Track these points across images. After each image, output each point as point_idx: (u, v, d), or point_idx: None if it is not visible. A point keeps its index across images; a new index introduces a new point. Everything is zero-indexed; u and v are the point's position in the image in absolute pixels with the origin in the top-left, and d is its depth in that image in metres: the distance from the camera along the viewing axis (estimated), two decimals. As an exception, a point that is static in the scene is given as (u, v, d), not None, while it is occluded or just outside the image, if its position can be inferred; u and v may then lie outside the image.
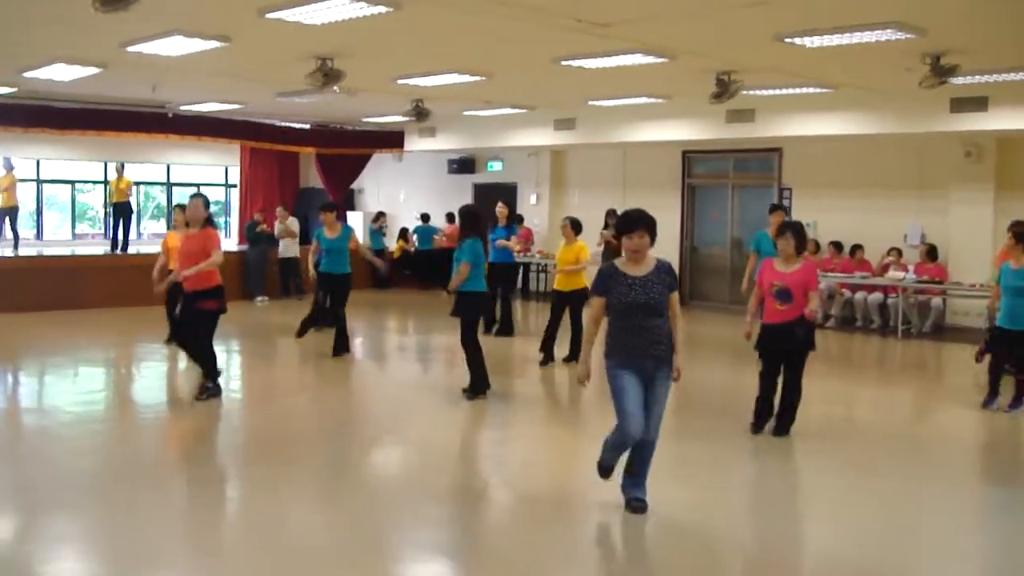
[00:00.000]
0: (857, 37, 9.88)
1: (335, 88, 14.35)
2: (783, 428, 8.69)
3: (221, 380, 10.01)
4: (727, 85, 12.77)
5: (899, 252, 16.19)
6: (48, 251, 20.49)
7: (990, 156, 15.69)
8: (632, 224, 6.37)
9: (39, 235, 23.52)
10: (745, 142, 17.15)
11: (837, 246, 16.83)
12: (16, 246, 18.57)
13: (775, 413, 8.75)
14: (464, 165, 23.04)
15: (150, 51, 11.00)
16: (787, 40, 10.10)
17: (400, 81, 13.71)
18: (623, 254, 6.50)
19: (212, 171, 26.38)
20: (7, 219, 18.54)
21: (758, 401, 8.83)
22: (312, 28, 9.74)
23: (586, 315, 6.98)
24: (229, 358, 13.05)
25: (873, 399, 11.46)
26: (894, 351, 14.84)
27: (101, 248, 20.67)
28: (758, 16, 9.28)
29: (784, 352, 8.64)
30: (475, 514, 6.78)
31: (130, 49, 10.93)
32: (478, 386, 10.17)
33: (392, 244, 22.89)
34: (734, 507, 7.01)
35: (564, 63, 11.76)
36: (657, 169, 19.70)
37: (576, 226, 12.55)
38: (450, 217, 22.99)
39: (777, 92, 14.19)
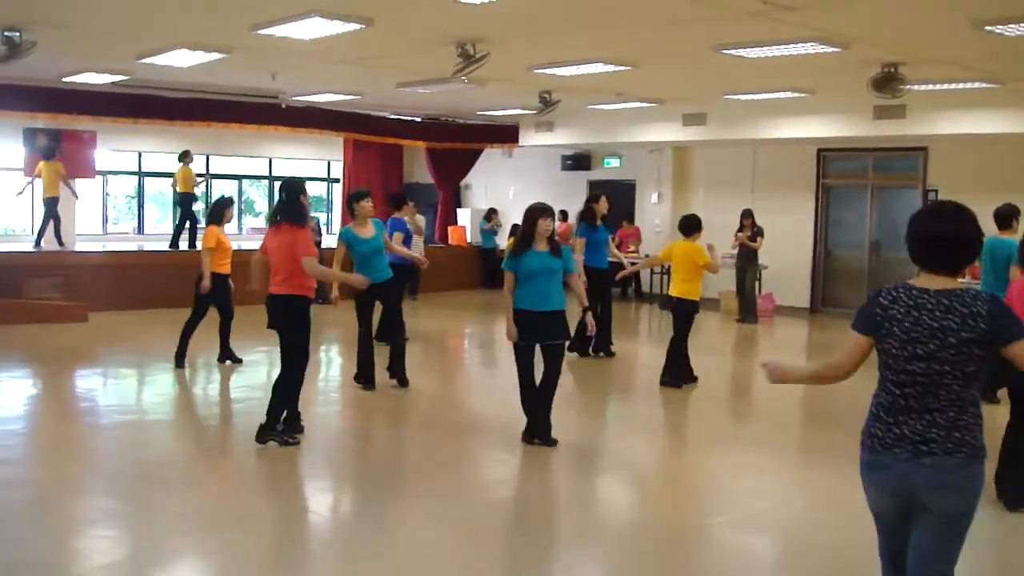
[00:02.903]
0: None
1: (463, 78, 13.64)
2: None
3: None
4: (892, 78, 11.77)
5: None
6: (148, 246, 19.78)
7: None
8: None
9: (139, 229, 23.04)
10: (892, 140, 16.03)
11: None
12: (41, 239, 17.33)
13: None
14: (579, 161, 22.11)
15: (282, 34, 10.25)
16: (987, 28, 9.09)
17: (537, 71, 12.84)
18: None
19: (314, 165, 25.78)
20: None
21: None
22: (457, 9, 8.96)
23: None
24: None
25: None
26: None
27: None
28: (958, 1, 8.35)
29: None
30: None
31: (261, 32, 10.19)
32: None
33: (503, 242, 22.07)
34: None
35: (726, 52, 10.81)
36: (789, 168, 18.60)
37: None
38: (563, 215, 22.18)
39: (936, 88, 13.08)
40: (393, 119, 20.61)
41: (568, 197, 22.31)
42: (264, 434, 7.93)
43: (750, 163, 19.15)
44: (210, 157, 22.81)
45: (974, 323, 3.60)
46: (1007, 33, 9.24)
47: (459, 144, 21.76)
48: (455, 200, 23.91)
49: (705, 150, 19.92)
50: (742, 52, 10.83)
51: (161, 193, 23.68)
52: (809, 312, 18.22)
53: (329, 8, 9.21)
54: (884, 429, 3.77)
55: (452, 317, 17.49)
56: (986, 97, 13.86)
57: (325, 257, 9.67)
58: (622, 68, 12.40)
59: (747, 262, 16.76)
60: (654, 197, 20.71)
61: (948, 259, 3.73)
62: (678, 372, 10.87)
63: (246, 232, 24.36)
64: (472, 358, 14.43)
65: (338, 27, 9.78)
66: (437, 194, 23.28)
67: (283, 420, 8.05)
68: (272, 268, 8.01)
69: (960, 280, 3.78)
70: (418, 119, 20.98)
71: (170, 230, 19.63)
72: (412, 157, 25.50)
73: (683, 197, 20.19)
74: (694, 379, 11.04)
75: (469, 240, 22.18)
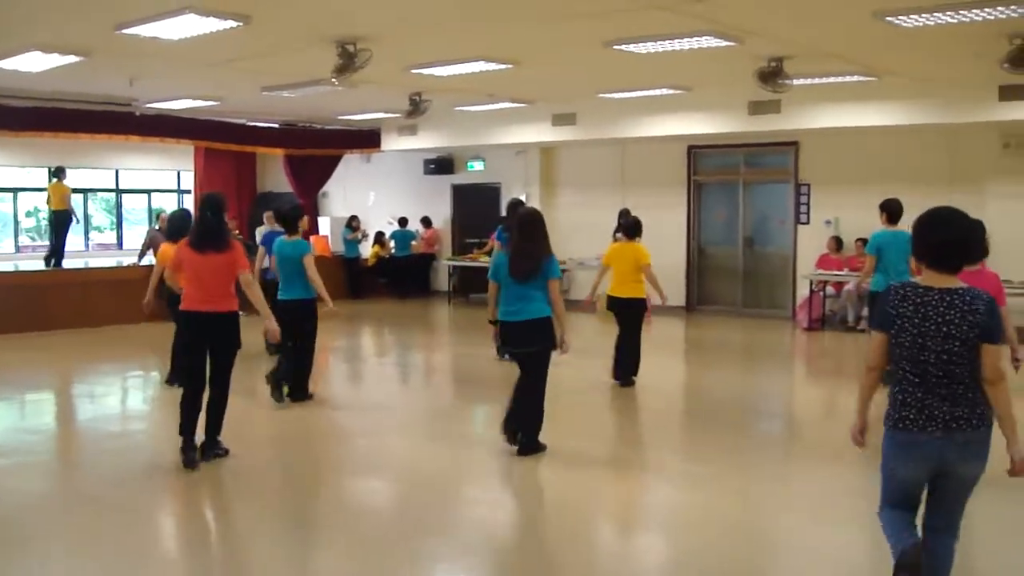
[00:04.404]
0: (961, 16, 8.85)
1: (333, 80, 13.03)
2: None
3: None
4: (777, 72, 11.65)
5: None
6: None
7: (1031, 147, 14.78)
8: None
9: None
10: (766, 135, 16.02)
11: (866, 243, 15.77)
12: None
13: None
14: (442, 165, 21.54)
15: (150, 34, 9.45)
16: (888, 19, 8.99)
17: (415, 71, 12.29)
18: None
19: (164, 176, 24.59)
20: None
21: None
22: (339, 6, 8.49)
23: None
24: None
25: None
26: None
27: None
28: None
29: None
30: None
31: (127, 31, 9.37)
32: None
33: (367, 251, 21.42)
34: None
35: (616, 47, 10.47)
36: (659, 166, 18.47)
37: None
38: (426, 221, 21.68)
39: (811, 82, 13.04)
40: (249, 126, 19.70)
41: (432, 202, 21.85)
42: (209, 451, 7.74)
43: (619, 162, 18.96)
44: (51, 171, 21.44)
45: (972, 319, 4.20)
46: (906, 24, 9.16)
47: (319, 150, 20.93)
48: (314, 209, 23.10)
49: (571, 150, 19.64)
50: (633, 47, 10.51)
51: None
52: (685, 310, 18.12)
53: (204, 5, 8.51)
54: (916, 412, 4.30)
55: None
56: (860, 91, 13.91)
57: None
58: (503, 67, 11.98)
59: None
60: (522, 199, 20.30)
61: (957, 260, 4.31)
62: (634, 369, 11.00)
63: (92, 249, 23.12)
64: (348, 372, 13.76)
65: (213, 25, 9.05)
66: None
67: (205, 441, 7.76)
68: (197, 285, 7.55)
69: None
70: (276, 126, 20.10)
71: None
72: (265, 165, 24.58)
73: (552, 198, 19.88)
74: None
75: (333, 250, 21.41)
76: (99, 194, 24.14)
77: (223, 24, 9.04)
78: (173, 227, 9.90)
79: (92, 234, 23.96)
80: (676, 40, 10.06)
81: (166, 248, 9.88)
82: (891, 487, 4.51)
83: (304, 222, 10.26)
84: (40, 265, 17.71)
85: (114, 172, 23.29)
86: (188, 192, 24.42)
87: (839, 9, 8.92)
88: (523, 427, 7.95)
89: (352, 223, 21.33)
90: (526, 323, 7.70)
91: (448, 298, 20.47)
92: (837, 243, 16.27)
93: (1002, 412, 4.27)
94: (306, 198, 21.40)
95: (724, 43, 10.17)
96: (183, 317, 7.73)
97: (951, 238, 4.29)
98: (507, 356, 10.83)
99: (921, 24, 9.14)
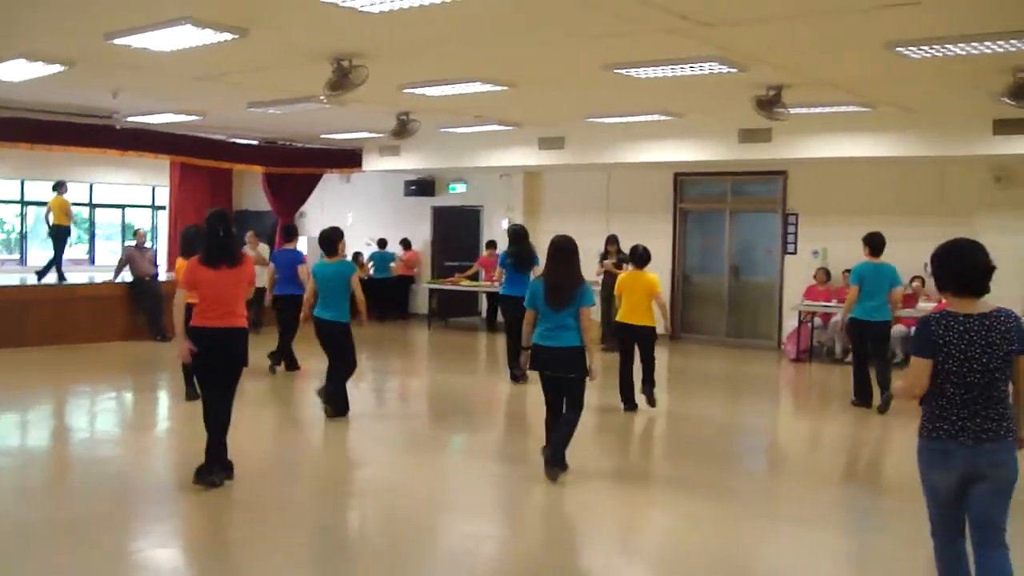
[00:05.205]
0: (972, 48, 8.72)
1: (322, 98, 12.80)
2: None
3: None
4: (776, 100, 11.50)
5: (923, 281, 15.07)
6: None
7: (1021, 181, 14.73)
8: None
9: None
10: (755, 164, 15.91)
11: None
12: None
13: None
14: (423, 187, 21.29)
15: (141, 44, 9.15)
16: (898, 49, 8.84)
17: (407, 90, 12.05)
18: None
19: (139, 191, 24.18)
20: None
21: None
22: (339, 20, 8.15)
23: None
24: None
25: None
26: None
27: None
28: (876, 22, 8.03)
29: None
30: None
31: (117, 42, 9.07)
32: None
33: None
34: None
35: (617, 71, 10.28)
36: (645, 192, 18.35)
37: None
38: (406, 243, 21.43)
39: (805, 111, 12.89)
40: (229, 142, 19.38)
41: (411, 224, 21.59)
42: (213, 475, 7.55)
43: (604, 187, 18.80)
44: (25, 183, 21.09)
45: (1010, 336, 4.66)
46: (915, 55, 9.03)
47: (299, 169, 20.66)
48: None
49: (556, 174, 19.45)
50: (634, 72, 10.32)
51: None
52: (669, 339, 17.90)
53: (203, 16, 8.24)
54: (950, 424, 4.69)
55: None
56: (853, 121, 13.84)
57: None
58: (498, 88, 11.76)
59: (613, 290, 16.24)
60: (504, 223, 20.09)
61: (981, 285, 4.69)
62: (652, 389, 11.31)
63: (64, 264, 22.59)
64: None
65: (209, 37, 8.76)
66: (269, 221, 22.07)
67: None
68: (211, 301, 7.49)
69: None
70: (255, 142, 19.79)
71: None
72: (241, 182, 24.25)
73: (535, 223, 19.60)
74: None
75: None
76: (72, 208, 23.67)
77: (220, 36, 8.75)
78: (189, 242, 9.90)
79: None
80: (679, 65, 9.87)
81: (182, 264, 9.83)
82: (932, 502, 4.86)
83: (342, 244, 10.71)
84: (12, 280, 17.33)
85: (88, 186, 22.83)
86: (163, 208, 24.02)
87: (852, 39, 8.78)
88: (559, 443, 8.03)
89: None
90: (565, 350, 7.85)
91: (428, 322, 20.16)
92: (825, 274, 16.14)
93: None
94: (284, 217, 21.10)
95: (728, 70, 10.00)
96: (194, 334, 7.51)
97: (975, 265, 4.69)
98: (521, 380, 12.12)
99: (930, 56, 9.02)
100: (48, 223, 17.17)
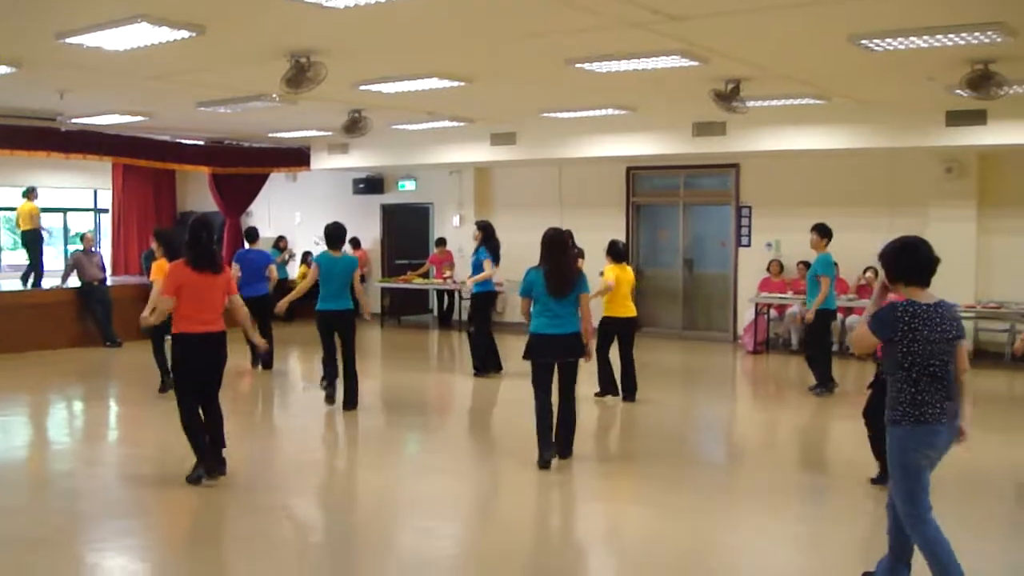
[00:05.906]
0: (935, 41, 8.76)
1: (275, 96, 12.62)
2: None
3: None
4: (735, 93, 11.50)
5: (875, 271, 15.18)
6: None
7: (971, 172, 14.88)
8: None
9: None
10: (710, 157, 15.91)
11: (808, 266, 15.70)
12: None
13: None
14: (372, 185, 21.09)
15: (94, 43, 8.89)
16: (862, 42, 8.84)
17: (363, 87, 11.86)
18: None
19: (81, 194, 23.70)
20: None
21: None
22: (298, 17, 8.02)
23: None
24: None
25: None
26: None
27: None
28: (841, 15, 8.06)
29: None
30: None
31: (68, 41, 8.81)
32: None
33: (294, 272, 20.81)
34: None
35: (579, 66, 10.19)
36: (597, 187, 18.31)
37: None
38: (355, 242, 21.17)
39: (759, 104, 12.89)
40: (174, 143, 19.04)
41: (361, 223, 21.33)
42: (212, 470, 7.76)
43: (556, 182, 18.74)
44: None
45: (956, 324, 5.09)
46: (878, 48, 9.04)
47: (245, 169, 20.34)
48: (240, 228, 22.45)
49: (508, 170, 19.34)
50: (595, 66, 10.24)
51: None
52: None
53: (159, 13, 8.02)
54: (932, 406, 5.00)
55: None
56: (806, 113, 13.89)
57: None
58: (454, 84, 11.60)
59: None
60: (456, 220, 19.98)
61: (931, 275, 5.10)
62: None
63: (4, 269, 22.17)
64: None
65: (165, 35, 8.52)
66: (217, 222, 21.70)
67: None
68: (196, 306, 7.67)
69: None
70: (201, 143, 19.46)
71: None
72: (185, 183, 23.85)
73: (487, 219, 19.50)
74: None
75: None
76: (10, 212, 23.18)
77: (176, 34, 8.52)
78: (172, 245, 10.28)
79: (3, 255, 23.00)
80: (641, 59, 9.81)
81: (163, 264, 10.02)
82: (921, 484, 5.05)
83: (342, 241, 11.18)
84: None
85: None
86: (105, 211, 23.56)
87: (817, 33, 8.77)
88: (568, 429, 8.61)
89: (279, 244, 20.78)
90: (569, 336, 8.31)
91: (380, 321, 19.95)
92: (779, 266, 16.20)
93: (966, 394, 5.18)
94: (231, 217, 20.82)
95: (689, 63, 9.95)
96: (183, 340, 7.66)
97: (929, 258, 5.09)
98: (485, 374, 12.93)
99: (892, 48, 9.03)
100: (18, 229, 17.15)
